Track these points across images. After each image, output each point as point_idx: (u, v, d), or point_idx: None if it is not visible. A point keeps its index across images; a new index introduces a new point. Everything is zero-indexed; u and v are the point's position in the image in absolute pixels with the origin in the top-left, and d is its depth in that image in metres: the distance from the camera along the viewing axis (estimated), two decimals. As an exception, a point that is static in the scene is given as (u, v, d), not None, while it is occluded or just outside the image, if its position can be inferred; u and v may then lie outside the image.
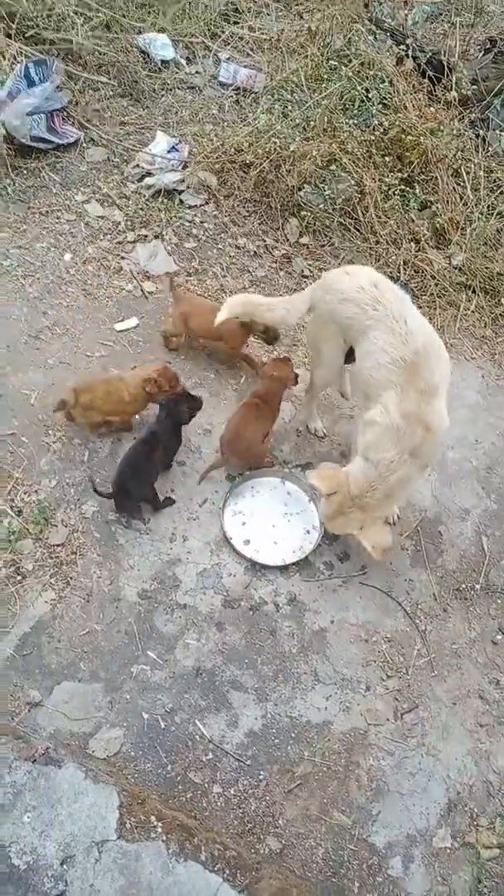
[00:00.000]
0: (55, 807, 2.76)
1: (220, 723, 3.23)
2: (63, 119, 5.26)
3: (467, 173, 4.90)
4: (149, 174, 5.04)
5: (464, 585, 3.72)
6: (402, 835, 3.07)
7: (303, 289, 4.64)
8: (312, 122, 4.94)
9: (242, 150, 4.93)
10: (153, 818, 2.80)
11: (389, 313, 3.22)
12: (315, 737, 3.24)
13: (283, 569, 3.68)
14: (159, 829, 2.78)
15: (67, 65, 5.36)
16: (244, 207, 4.98)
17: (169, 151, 5.11)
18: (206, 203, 5.00)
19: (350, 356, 3.55)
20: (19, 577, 3.49)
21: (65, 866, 2.67)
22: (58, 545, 3.63)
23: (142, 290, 4.59)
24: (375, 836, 3.05)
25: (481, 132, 5.15)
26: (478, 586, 3.72)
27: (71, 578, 3.54)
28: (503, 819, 3.11)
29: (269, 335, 4.14)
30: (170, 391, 3.85)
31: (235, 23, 5.93)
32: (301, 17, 5.82)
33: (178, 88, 5.66)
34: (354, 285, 3.34)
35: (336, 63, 5.10)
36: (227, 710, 3.27)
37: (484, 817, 3.12)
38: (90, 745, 3.09)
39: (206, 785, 3.08)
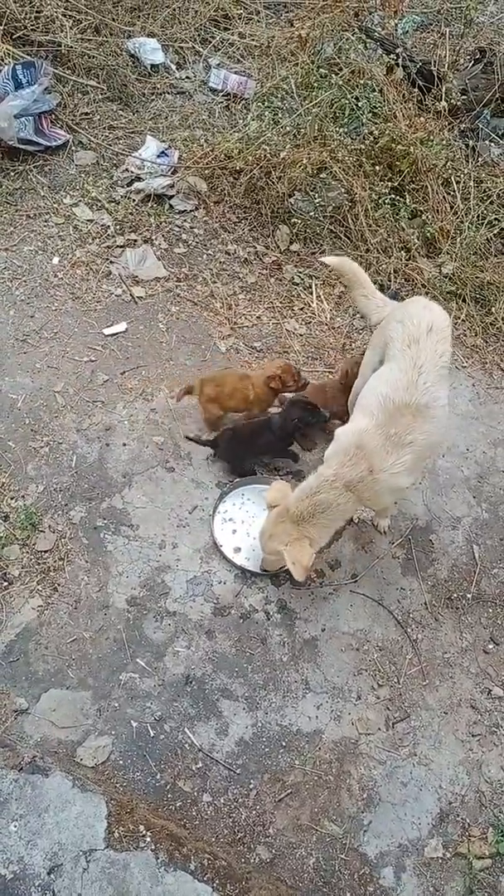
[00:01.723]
0: (42, 816, 2.71)
1: (210, 731, 3.19)
2: (51, 122, 5.22)
3: (457, 183, 4.92)
4: (138, 178, 5.01)
5: (455, 594, 3.71)
6: (393, 844, 3.04)
7: (294, 296, 4.70)
8: (303, 130, 4.94)
9: (232, 157, 4.91)
10: (142, 827, 2.76)
11: (414, 359, 3.18)
12: (306, 746, 3.21)
13: (274, 577, 3.65)
14: (148, 839, 2.73)
15: (56, 67, 5.33)
16: (234, 214, 4.97)
17: (158, 156, 5.08)
18: (196, 209, 4.98)
19: None
20: (5, 584, 3.44)
21: (52, 876, 2.62)
22: (45, 551, 3.58)
23: (131, 295, 4.55)
24: (367, 845, 3.03)
25: (471, 142, 5.18)
26: (469, 595, 3.71)
27: (59, 585, 3.49)
28: (495, 829, 3.09)
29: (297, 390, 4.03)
30: (294, 387, 3.88)
31: (226, 29, 5.93)
32: (291, 25, 5.82)
33: (168, 93, 5.64)
34: (415, 315, 3.30)
35: (326, 71, 5.11)
36: (217, 718, 3.23)
37: (476, 827, 3.11)
38: (78, 754, 3.04)
39: (195, 794, 3.04)
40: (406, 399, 3.13)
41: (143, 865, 2.67)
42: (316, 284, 4.73)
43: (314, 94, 5.04)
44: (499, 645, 3.57)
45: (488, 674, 3.49)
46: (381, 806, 3.11)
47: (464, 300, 4.69)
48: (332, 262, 3.81)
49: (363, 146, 4.79)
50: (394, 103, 5.08)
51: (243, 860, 2.91)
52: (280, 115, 5.06)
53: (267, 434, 3.82)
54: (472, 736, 3.32)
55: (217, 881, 2.72)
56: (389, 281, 4.64)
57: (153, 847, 2.72)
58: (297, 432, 3.87)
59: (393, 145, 4.80)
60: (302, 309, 4.64)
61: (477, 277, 4.68)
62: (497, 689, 3.44)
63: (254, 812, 3.04)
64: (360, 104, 4.97)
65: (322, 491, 3.17)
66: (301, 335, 4.53)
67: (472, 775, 3.22)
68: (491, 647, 3.56)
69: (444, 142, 4.94)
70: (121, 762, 3.07)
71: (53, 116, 5.25)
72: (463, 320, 4.65)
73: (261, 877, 2.82)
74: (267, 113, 5.10)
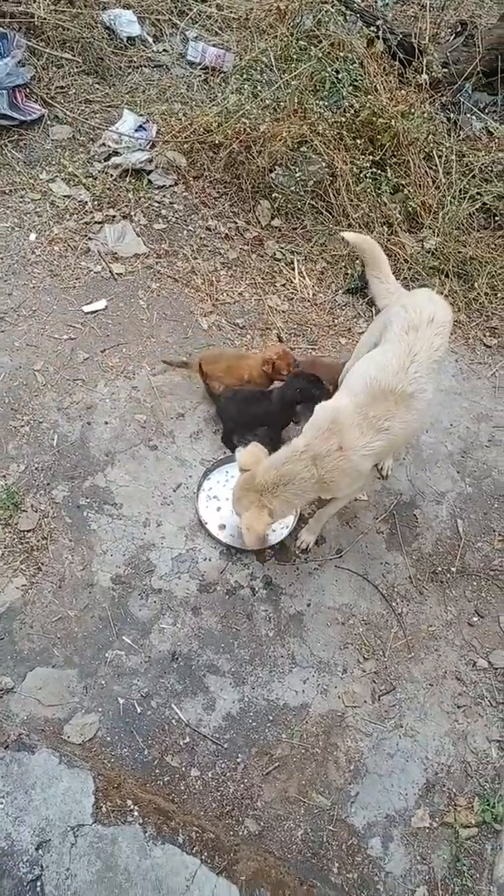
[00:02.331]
0: (29, 792, 2.70)
1: (197, 707, 3.19)
2: (26, 96, 5.12)
3: (439, 157, 4.88)
4: (115, 153, 4.92)
5: (440, 568, 3.72)
6: (380, 815, 3.06)
7: (276, 272, 4.66)
8: (282, 103, 4.88)
9: (212, 131, 4.85)
10: (130, 802, 2.75)
11: (410, 345, 3.14)
12: (293, 719, 3.22)
13: (259, 553, 3.64)
14: (136, 813, 2.73)
15: (29, 40, 5.21)
16: (214, 189, 4.90)
17: (136, 130, 5.00)
18: (176, 184, 4.91)
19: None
20: (-12, 564, 3.40)
21: (40, 851, 2.61)
22: (28, 531, 3.54)
23: (110, 272, 4.49)
24: (354, 816, 3.05)
25: (452, 116, 5.14)
26: (453, 569, 3.72)
27: (42, 564, 3.46)
28: (481, 799, 3.12)
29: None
30: (289, 375, 3.84)
31: (203, 0, 5.82)
32: (270, -3, 5.73)
33: (145, 66, 5.54)
34: (418, 304, 3.26)
35: (306, 44, 5.04)
36: (204, 693, 3.23)
37: (462, 797, 3.13)
38: (65, 731, 3.03)
39: (183, 769, 3.04)
40: (393, 384, 3.10)
41: (131, 839, 2.67)
42: (298, 260, 4.68)
43: (294, 66, 4.97)
44: (483, 618, 3.59)
45: (473, 646, 3.51)
46: (368, 777, 3.13)
47: (446, 275, 4.67)
48: (351, 238, 3.71)
49: (344, 119, 4.74)
50: (374, 76, 5.02)
51: (231, 833, 2.92)
52: (259, 88, 4.99)
53: (266, 403, 3.79)
54: (458, 707, 3.35)
55: (205, 854, 2.72)
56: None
57: (141, 821, 2.71)
58: (298, 404, 3.83)
59: (374, 119, 4.75)
60: (284, 285, 4.60)
61: (459, 252, 4.66)
62: (482, 661, 3.46)
63: (241, 785, 3.05)
64: (340, 77, 4.91)
65: (289, 462, 3.15)
66: (283, 311, 4.49)
67: (458, 746, 3.25)
68: (475, 619, 3.58)
69: (425, 115, 4.90)
70: (108, 739, 3.07)
71: (28, 90, 5.14)
72: (446, 296, 4.61)
73: (249, 849, 2.83)
74: (246, 86, 5.03)
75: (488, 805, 3.09)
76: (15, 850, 2.61)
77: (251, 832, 2.95)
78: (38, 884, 2.58)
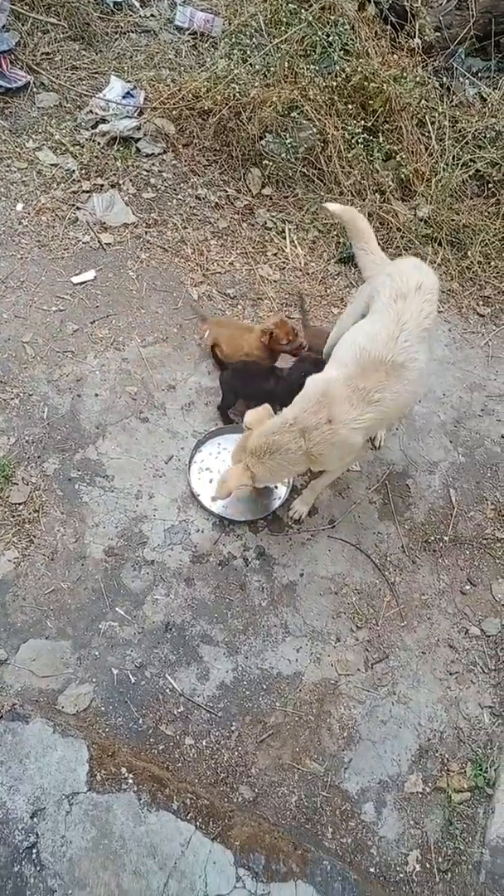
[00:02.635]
0: (23, 761, 2.71)
1: (191, 676, 3.20)
2: (10, 62, 5.00)
3: (432, 123, 4.80)
4: (103, 121, 4.83)
5: (432, 537, 3.72)
6: (374, 781, 3.09)
7: (267, 241, 4.60)
8: (273, 68, 4.78)
9: (201, 97, 4.75)
10: (124, 770, 2.76)
11: (399, 314, 3.09)
12: (286, 688, 3.23)
13: (252, 524, 3.64)
14: (130, 781, 2.74)
15: (14, 3, 5.07)
16: (204, 157, 4.82)
17: (124, 97, 4.89)
18: (165, 152, 4.82)
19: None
20: (-21, 537, 3.39)
21: (35, 819, 2.63)
22: (19, 504, 3.52)
23: (99, 242, 4.42)
24: (348, 782, 3.07)
25: (445, 81, 5.05)
26: (446, 538, 3.72)
27: (34, 537, 3.45)
28: (474, 764, 3.15)
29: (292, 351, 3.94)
30: (289, 344, 3.81)
31: (191, -36, 5.68)
32: (259, -41, 5.59)
33: (133, 32, 5.41)
34: (405, 273, 3.21)
35: (296, 7, 4.92)
36: (198, 663, 3.23)
37: (455, 762, 3.16)
38: (59, 702, 3.03)
39: (177, 737, 3.05)
40: (383, 354, 3.05)
41: (125, 807, 2.69)
42: (289, 229, 4.62)
43: (284, 30, 4.86)
44: (475, 586, 3.60)
45: (465, 614, 3.53)
46: (362, 744, 3.16)
47: (439, 244, 4.62)
48: (334, 209, 3.64)
49: (335, 84, 4.65)
50: (366, 40, 4.92)
51: (226, 799, 2.94)
52: (249, 53, 4.89)
53: (273, 380, 3.76)
54: (450, 674, 3.37)
55: (200, 820, 2.74)
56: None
57: (136, 789, 2.73)
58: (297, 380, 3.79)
59: (365, 83, 4.65)
60: (275, 254, 4.54)
61: (452, 220, 4.61)
62: (474, 629, 3.48)
63: (236, 753, 3.07)
64: (331, 41, 4.81)
65: (279, 432, 3.13)
66: (275, 281, 4.44)
67: (451, 712, 3.27)
68: (468, 587, 3.59)
69: (417, 79, 4.80)
70: (102, 709, 3.07)
71: (12, 56, 5.03)
72: (439, 264, 4.59)
73: (243, 815, 2.86)
74: (235, 51, 4.92)
75: (481, 770, 3.12)
76: (10, 818, 2.62)
77: (245, 799, 2.97)
78: (34, 851, 2.60)
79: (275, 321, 3.83)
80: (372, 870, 2.91)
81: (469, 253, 4.60)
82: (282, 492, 3.74)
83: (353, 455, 3.40)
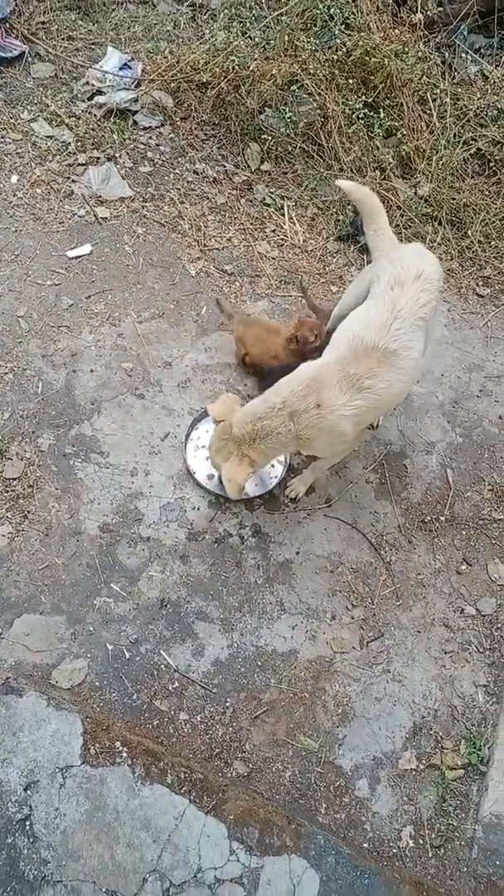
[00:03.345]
0: (17, 734, 2.70)
1: (186, 653, 3.19)
2: (5, 31, 4.91)
3: (433, 100, 4.74)
4: (100, 92, 4.74)
5: (429, 517, 3.71)
6: (368, 757, 3.10)
7: (265, 218, 4.54)
8: (273, 41, 4.70)
9: (199, 69, 4.66)
10: (118, 743, 2.76)
11: (394, 301, 3.04)
12: (281, 665, 3.23)
13: (248, 502, 3.62)
14: (125, 754, 2.74)
15: (9, -29, 4.97)
16: (202, 130, 4.74)
17: (121, 69, 4.81)
18: (162, 125, 4.75)
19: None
20: (-27, 511, 3.36)
21: (28, 792, 2.63)
22: (13, 479, 3.49)
23: (95, 216, 4.36)
24: (342, 758, 3.08)
25: (447, 57, 4.98)
26: (443, 518, 3.71)
27: (28, 512, 3.42)
28: (467, 741, 3.16)
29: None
30: (317, 340, 3.69)
31: None
32: None
33: (130, 3, 5.31)
34: (406, 259, 3.16)
35: (297, -22, 4.84)
36: (193, 640, 3.22)
37: (449, 740, 3.17)
38: (53, 676, 3.03)
39: (172, 712, 3.05)
40: (375, 341, 3.01)
41: (119, 780, 2.69)
42: (288, 206, 4.56)
43: (284, 2, 4.77)
44: (471, 566, 3.60)
45: (461, 593, 3.52)
46: (356, 721, 3.16)
47: (440, 223, 4.56)
48: (346, 186, 3.57)
49: (336, 57, 4.57)
50: (367, 14, 4.82)
51: (220, 774, 2.94)
52: (248, 26, 4.80)
53: None
54: (445, 653, 3.37)
55: (194, 794, 2.74)
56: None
57: (130, 762, 2.72)
58: None
59: (367, 58, 4.57)
60: (274, 231, 4.49)
61: (453, 199, 4.55)
62: (469, 608, 3.48)
63: (230, 729, 3.06)
64: (332, 14, 4.72)
65: (266, 417, 3.06)
66: (273, 258, 4.39)
67: (445, 690, 3.28)
68: (464, 567, 3.58)
69: (419, 55, 4.73)
70: (97, 684, 3.07)
71: (7, 25, 4.93)
72: (439, 244, 4.54)
73: (237, 789, 2.86)
74: (235, 23, 4.83)
75: (475, 748, 3.13)
76: (3, 790, 2.62)
77: (240, 774, 2.98)
78: (27, 823, 2.60)
79: (294, 324, 3.74)
80: (365, 845, 2.92)
81: (469, 232, 4.55)
82: (279, 470, 3.71)
83: (346, 446, 3.35)
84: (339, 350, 3.08)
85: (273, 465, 3.73)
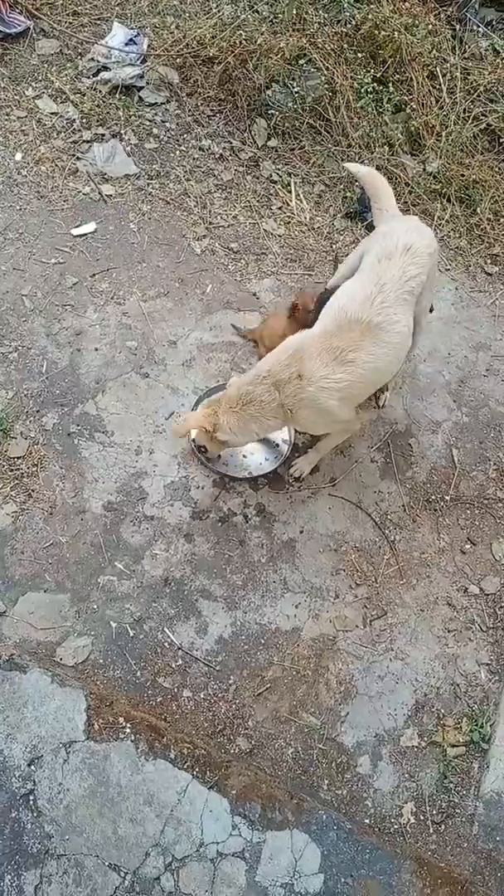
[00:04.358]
0: (21, 710, 2.73)
1: (190, 630, 3.21)
2: (10, 6, 4.84)
3: (443, 75, 4.66)
4: (105, 68, 4.68)
5: (433, 496, 3.70)
6: (370, 735, 3.11)
7: (272, 195, 4.50)
8: (280, 15, 4.63)
9: (206, 44, 4.60)
10: (122, 719, 2.78)
11: (380, 275, 3.02)
12: (284, 643, 3.24)
13: (252, 481, 3.61)
14: (128, 730, 2.76)
15: None
16: (208, 106, 4.68)
17: (126, 44, 4.74)
18: (168, 101, 4.69)
19: None
20: (-22, 490, 3.37)
21: (32, 767, 2.65)
22: (18, 458, 3.50)
23: (100, 194, 4.33)
24: (344, 735, 3.10)
25: (458, 31, 4.89)
26: (448, 497, 3.70)
27: (33, 491, 3.43)
28: (469, 719, 3.17)
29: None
30: (315, 308, 3.64)
31: None
32: None
33: (136, -24, 5.23)
34: (396, 233, 3.13)
35: (305, -49, 4.76)
36: (197, 618, 3.24)
37: (450, 717, 3.18)
38: (57, 654, 3.05)
39: (175, 690, 3.07)
40: (359, 314, 2.99)
41: (123, 755, 2.71)
42: (295, 182, 4.51)
43: (292, -26, 4.69)
44: (476, 545, 3.59)
45: (465, 573, 3.52)
46: (359, 699, 3.17)
47: (448, 200, 4.50)
48: (355, 169, 3.55)
49: (345, 31, 4.50)
50: (377, -14, 4.75)
51: (223, 750, 2.96)
52: (256, -1, 4.73)
53: None
54: (448, 632, 3.37)
55: (197, 769, 2.77)
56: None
57: (133, 738, 2.75)
58: None
59: (376, 32, 4.50)
60: (280, 208, 4.44)
61: (462, 176, 4.48)
62: (473, 588, 3.47)
63: (233, 706, 3.08)
64: (341, -14, 4.65)
65: (252, 384, 3.10)
66: (279, 236, 4.35)
67: (448, 669, 3.28)
68: (468, 547, 3.58)
69: (429, 28, 4.64)
70: (101, 661, 3.09)
71: (12, 0, 4.86)
72: (447, 221, 4.49)
73: (240, 765, 2.88)
74: (242, -4, 4.76)
75: (476, 725, 3.14)
76: (7, 766, 2.65)
77: (242, 750, 3.00)
78: (31, 797, 2.63)
79: (292, 299, 3.73)
80: (367, 821, 2.95)
81: (478, 210, 4.48)
82: (284, 450, 3.70)
83: (343, 424, 3.32)
84: (325, 323, 3.08)
85: (277, 444, 3.72)
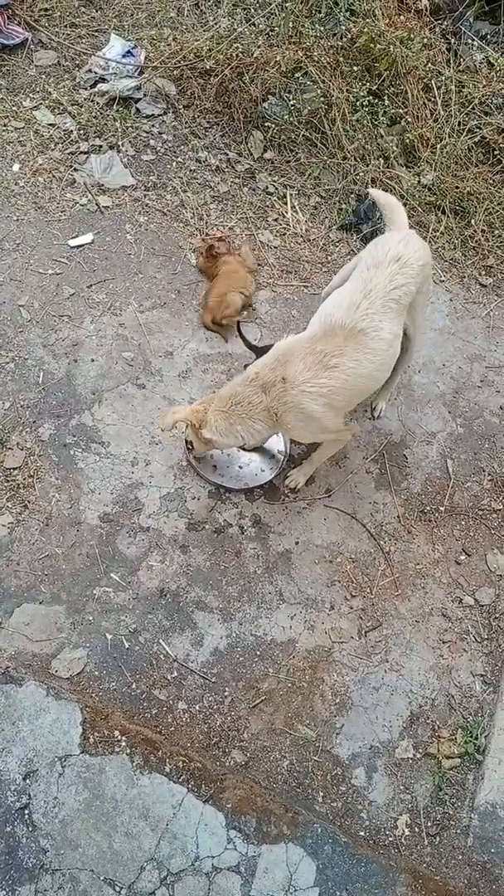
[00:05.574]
0: (16, 724, 2.73)
1: (185, 642, 3.21)
2: (8, 18, 4.87)
3: (438, 88, 4.69)
4: (102, 80, 4.71)
5: (428, 507, 3.71)
6: (365, 746, 3.11)
7: (268, 206, 4.52)
8: (277, 28, 4.66)
9: (203, 57, 4.63)
10: (117, 733, 2.79)
11: (366, 282, 3.07)
12: (280, 654, 3.24)
13: (248, 492, 3.62)
14: (123, 744, 2.76)
15: (12, -43, 4.93)
16: (205, 118, 4.71)
17: (124, 56, 4.78)
18: (165, 113, 4.72)
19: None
20: (-26, 501, 3.37)
21: (27, 781, 2.65)
22: (13, 468, 3.50)
23: (97, 204, 4.34)
24: (339, 747, 3.10)
25: (453, 45, 4.93)
26: (442, 508, 3.71)
27: (29, 502, 3.43)
28: (464, 731, 3.17)
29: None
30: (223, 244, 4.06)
31: None
32: None
33: (133, -12, 5.27)
34: (388, 243, 3.17)
35: (301, -35, 4.79)
36: (192, 629, 3.24)
37: (445, 729, 3.18)
38: (52, 666, 3.05)
39: (170, 702, 3.07)
40: (343, 320, 3.04)
41: (118, 769, 2.71)
42: (291, 194, 4.54)
43: (288, -12, 4.73)
44: (470, 556, 3.60)
45: (460, 584, 3.53)
46: (354, 710, 3.17)
47: (443, 211, 4.53)
48: (377, 196, 3.63)
49: (340, 44, 4.53)
50: (372, 0, 4.78)
51: (218, 763, 2.96)
52: (252, 13, 4.76)
53: None
54: (443, 643, 3.38)
55: (192, 782, 2.77)
56: (366, 191, 4.45)
57: (128, 751, 2.75)
58: None
59: (371, 45, 4.54)
60: (276, 220, 4.47)
61: (457, 188, 4.51)
62: (468, 599, 3.48)
63: (229, 718, 3.09)
64: (337, 0, 4.68)
65: (241, 385, 3.16)
66: (275, 247, 4.37)
67: (443, 680, 3.29)
68: (463, 558, 3.59)
69: (424, 41, 4.68)
70: (96, 673, 3.09)
71: (10, 12, 4.89)
72: (442, 233, 4.51)
73: (235, 778, 2.88)
74: (239, 10, 4.80)
75: (471, 737, 3.14)
76: (2, 779, 2.65)
77: (237, 762, 3.00)
78: (26, 812, 2.63)
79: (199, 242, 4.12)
80: (362, 833, 2.95)
81: (473, 221, 4.51)
82: (279, 461, 3.72)
83: (333, 434, 3.33)
84: (313, 327, 3.13)
85: (273, 456, 3.73)
